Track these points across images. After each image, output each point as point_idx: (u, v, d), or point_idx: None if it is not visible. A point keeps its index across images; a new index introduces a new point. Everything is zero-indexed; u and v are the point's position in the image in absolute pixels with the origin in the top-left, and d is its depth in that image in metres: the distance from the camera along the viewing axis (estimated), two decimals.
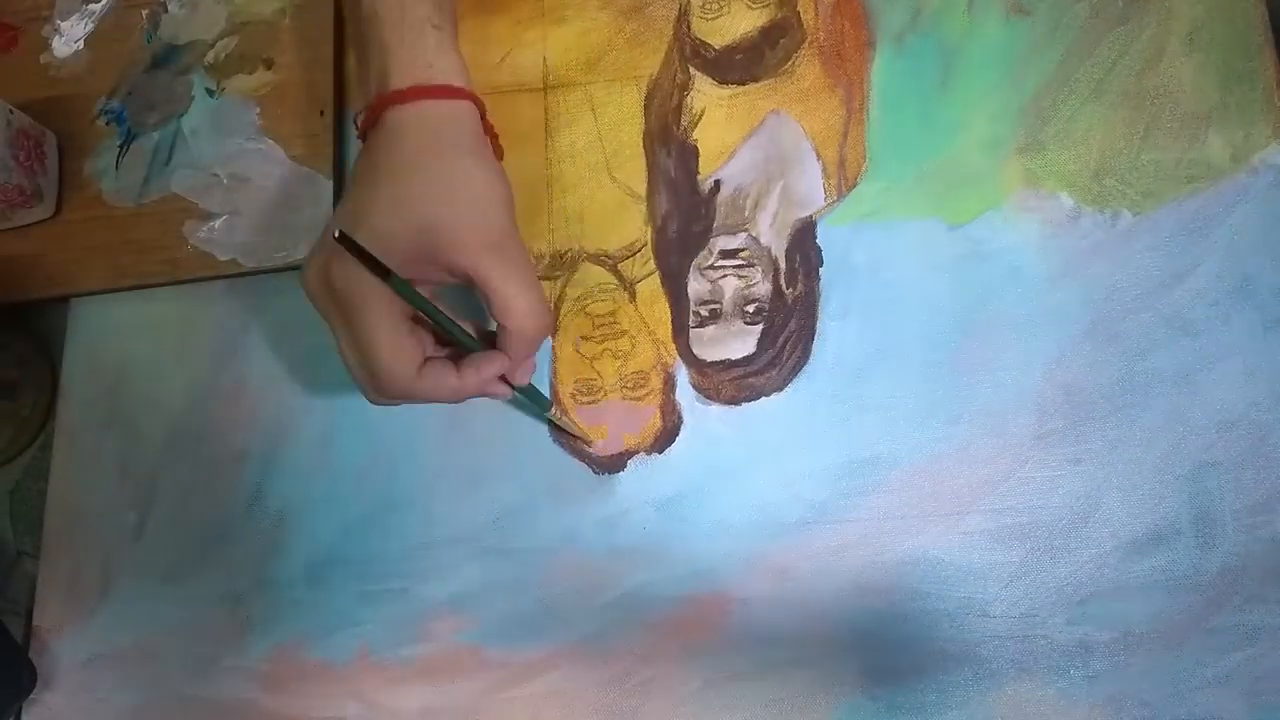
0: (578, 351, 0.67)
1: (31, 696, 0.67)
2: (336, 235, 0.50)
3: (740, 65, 0.71)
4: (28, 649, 0.68)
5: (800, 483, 0.64)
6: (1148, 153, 0.65)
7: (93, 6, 0.78)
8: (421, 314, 0.55)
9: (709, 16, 0.72)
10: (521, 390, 0.60)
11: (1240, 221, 0.63)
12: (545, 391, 0.67)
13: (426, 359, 0.55)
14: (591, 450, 0.66)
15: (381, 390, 0.54)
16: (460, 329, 0.56)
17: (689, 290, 0.68)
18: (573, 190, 0.70)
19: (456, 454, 0.67)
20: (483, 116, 0.60)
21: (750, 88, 0.70)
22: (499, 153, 0.63)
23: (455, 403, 0.58)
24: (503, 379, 0.58)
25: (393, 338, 0.53)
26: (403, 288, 0.52)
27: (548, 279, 0.69)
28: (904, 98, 0.68)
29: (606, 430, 0.66)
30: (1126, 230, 0.64)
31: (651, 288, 0.68)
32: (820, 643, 0.61)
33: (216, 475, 0.69)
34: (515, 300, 0.54)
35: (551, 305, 0.68)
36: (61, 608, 0.69)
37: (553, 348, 0.68)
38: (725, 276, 0.67)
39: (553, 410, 0.64)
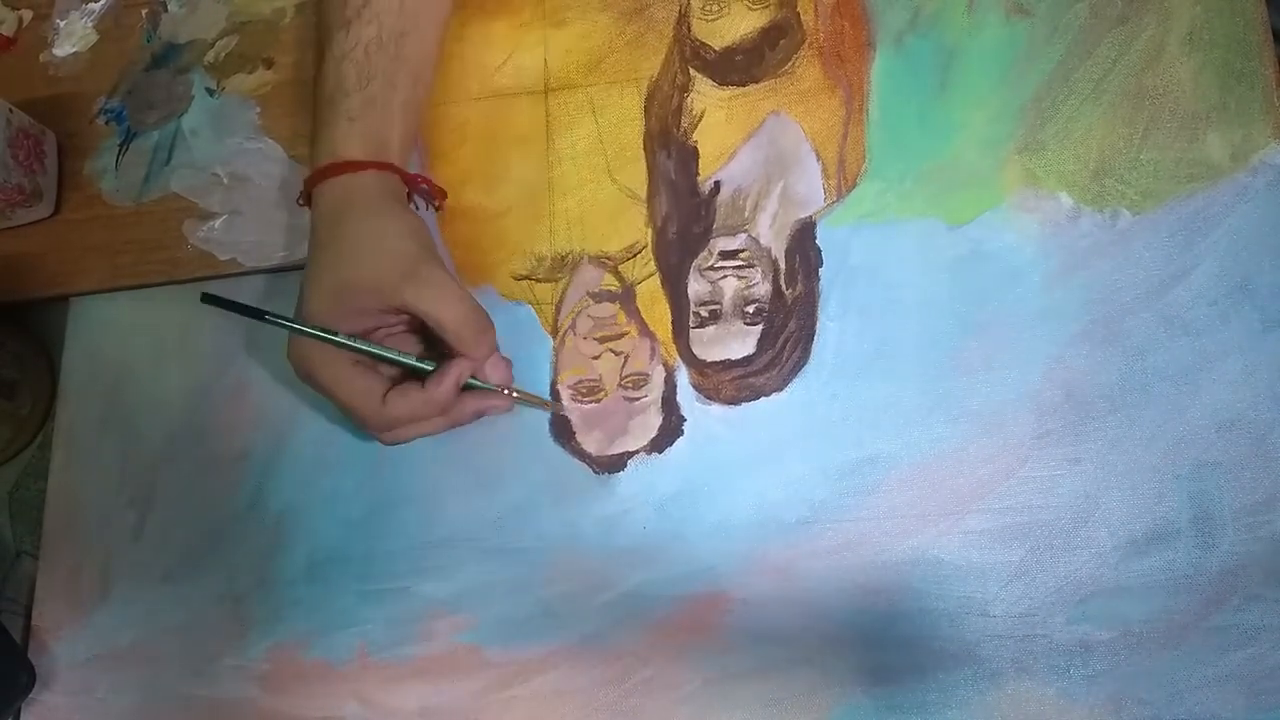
0: (578, 351, 0.67)
1: (31, 696, 0.67)
2: (202, 297, 0.61)
3: (740, 66, 0.71)
4: (27, 649, 0.68)
5: (800, 482, 0.64)
6: (1147, 152, 0.65)
7: (92, 6, 0.78)
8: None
9: (709, 18, 0.72)
10: (518, 392, 0.65)
11: (1240, 221, 0.63)
12: (545, 391, 0.67)
13: (389, 389, 0.61)
14: (591, 450, 0.66)
15: (368, 426, 0.62)
16: (390, 350, 0.62)
17: (689, 291, 0.68)
18: (574, 192, 0.71)
19: (457, 454, 0.67)
20: (404, 176, 0.66)
21: (750, 89, 0.70)
22: (437, 194, 0.70)
23: (445, 420, 0.63)
24: (479, 391, 0.64)
25: (347, 382, 0.61)
26: (275, 321, 0.61)
27: (549, 281, 0.69)
28: (904, 98, 0.68)
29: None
30: (1126, 230, 0.64)
31: (652, 289, 0.68)
32: (820, 642, 0.61)
33: (217, 475, 0.69)
34: (444, 313, 0.60)
35: (554, 306, 0.68)
36: (61, 607, 0.69)
37: (553, 348, 0.68)
38: (725, 277, 0.67)
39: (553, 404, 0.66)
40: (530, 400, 0.66)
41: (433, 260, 0.62)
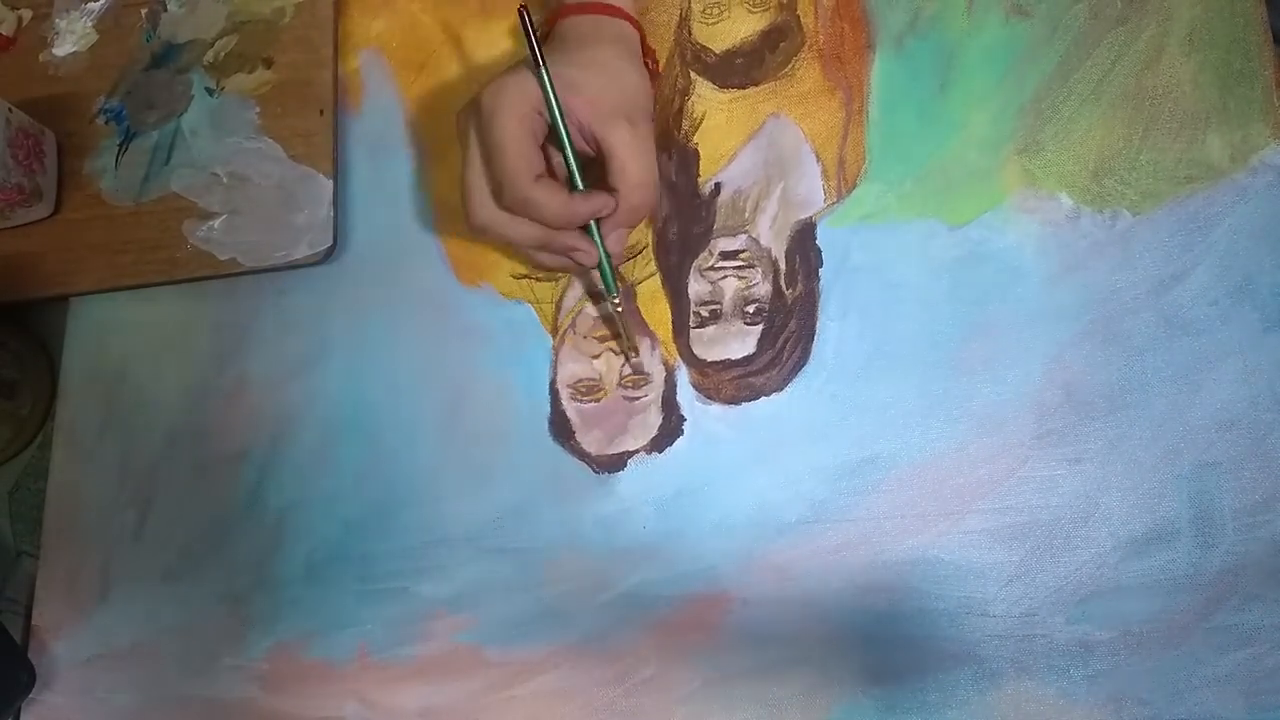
0: (578, 351, 0.67)
1: (31, 696, 0.67)
2: (520, 7, 0.59)
3: (740, 69, 0.71)
4: (27, 649, 0.68)
5: (800, 482, 0.64)
6: (1147, 153, 0.65)
7: (92, 5, 0.78)
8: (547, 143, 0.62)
9: (710, 21, 0.72)
10: (604, 259, 0.64)
11: (1240, 221, 0.63)
12: (545, 385, 0.67)
13: (543, 174, 0.61)
14: (590, 450, 0.66)
15: (501, 190, 0.60)
16: (575, 155, 0.61)
17: (689, 291, 0.68)
18: None
19: (456, 454, 0.67)
20: (642, 39, 0.68)
21: (750, 91, 0.71)
22: (655, 76, 0.71)
23: (542, 235, 0.62)
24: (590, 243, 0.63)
25: (520, 142, 0.60)
26: (543, 76, 0.60)
27: (549, 280, 0.69)
28: (903, 99, 0.69)
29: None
30: (1126, 230, 0.64)
31: (652, 288, 0.68)
32: (820, 642, 0.61)
33: (216, 475, 0.69)
34: (630, 167, 0.61)
35: (554, 305, 0.68)
36: (61, 607, 0.69)
37: (553, 347, 0.68)
38: (725, 277, 0.67)
39: (617, 300, 0.65)
40: (623, 329, 0.66)
41: (649, 121, 0.64)
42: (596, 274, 0.66)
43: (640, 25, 0.67)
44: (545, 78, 0.59)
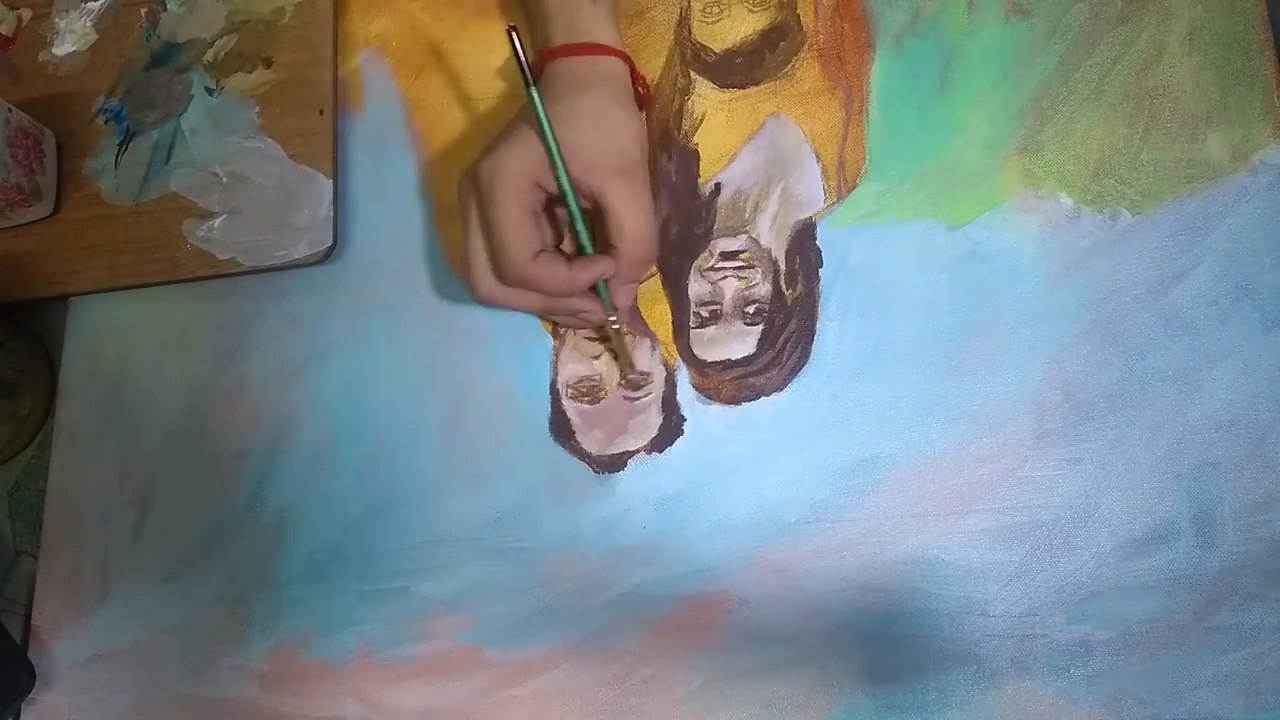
0: (578, 351, 0.67)
1: (31, 696, 0.67)
2: (509, 28, 0.59)
3: (740, 69, 0.71)
4: (27, 649, 0.68)
5: (800, 482, 0.64)
6: (1147, 153, 0.65)
7: (92, 5, 0.78)
8: (546, 212, 0.64)
9: (710, 20, 0.72)
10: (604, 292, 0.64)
11: (1240, 221, 0.63)
12: (545, 385, 0.67)
13: (543, 250, 0.62)
14: (591, 450, 0.66)
15: (501, 269, 0.62)
16: (583, 219, 0.62)
17: (689, 291, 0.68)
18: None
19: (456, 454, 0.67)
20: (632, 71, 0.66)
21: (750, 91, 0.71)
22: (649, 102, 0.70)
23: (549, 303, 0.63)
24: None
25: (517, 221, 0.61)
26: (541, 106, 0.60)
27: None
28: (903, 99, 0.69)
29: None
30: (1126, 230, 0.64)
31: (652, 289, 0.68)
32: (819, 642, 0.61)
33: (216, 475, 0.69)
34: (629, 223, 0.61)
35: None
36: (61, 607, 0.69)
37: (554, 347, 0.68)
38: (725, 278, 0.67)
39: (615, 320, 0.65)
40: (619, 349, 0.66)
41: (645, 172, 0.64)
42: None
43: (627, 56, 0.66)
44: (553, 145, 0.60)
